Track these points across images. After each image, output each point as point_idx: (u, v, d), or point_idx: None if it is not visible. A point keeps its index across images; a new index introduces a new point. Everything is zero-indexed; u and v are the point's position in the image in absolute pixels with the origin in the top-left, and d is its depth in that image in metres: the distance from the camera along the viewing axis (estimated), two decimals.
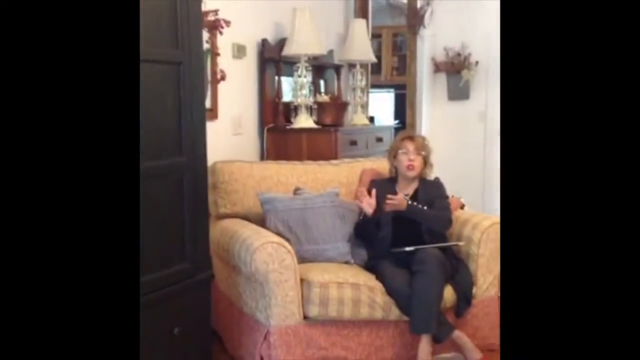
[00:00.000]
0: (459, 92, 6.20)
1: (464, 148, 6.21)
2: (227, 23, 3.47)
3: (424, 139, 3.26)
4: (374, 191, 3.07)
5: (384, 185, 3.18)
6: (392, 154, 3.24)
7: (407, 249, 2.92)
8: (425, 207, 3.03)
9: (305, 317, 2.75)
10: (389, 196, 2.99)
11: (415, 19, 5.25)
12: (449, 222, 3.11)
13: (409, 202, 3.02)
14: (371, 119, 4.82)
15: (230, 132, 3.74)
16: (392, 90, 6.30)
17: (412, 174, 3.15)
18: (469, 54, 6.07)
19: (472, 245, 3.09)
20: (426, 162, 3.20)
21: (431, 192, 3.16)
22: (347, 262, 3.04)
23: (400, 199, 3.00)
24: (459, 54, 6.10)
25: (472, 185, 5.98)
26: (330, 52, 4.51)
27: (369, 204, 3.04)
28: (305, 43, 3.78)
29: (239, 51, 3.77)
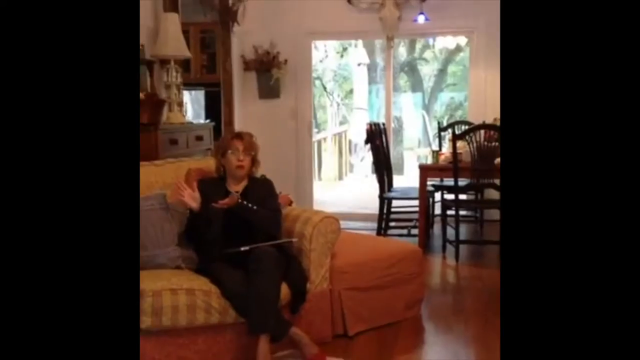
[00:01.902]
0: (269, 90, 6.25)
1: (278, 145, 6.28)
2: None
3: (251, 136, 3.19)
4: (194, 183, 2.96)
5: (212, 185, 3.08)
6: (220, 153, 3.14)
7: (243, 249, 2.85)
8: (255, 207, 2.98)
9: None
10: (218, 202, 2.89)
11: (228, 15, 5.17)
12: (278, 225, 3.11)
13: (240, 201, 2.95)
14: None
15: None
16: (201, 88, 6.15)
17: (241, 173, 3.08)
18: (278, 53, 6.14)
19: (304, 240, 3.10)
20: (254, 160, 3.15)
21: (261, 191, 3.13)
22: (178, 267, 2.89)
23: (230, 199, 2.92)
24: (268, 52, 6.15)
25: (285, 180, 6.06)
26: (142, 47, 4.26)
27: (191, 198, 2.91)
28: None
29: None
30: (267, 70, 6.15)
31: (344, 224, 6.00)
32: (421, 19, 5.82)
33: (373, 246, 3.73)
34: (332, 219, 3.24)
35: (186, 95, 6.59)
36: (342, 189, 9.59)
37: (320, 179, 9.99)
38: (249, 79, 6.28)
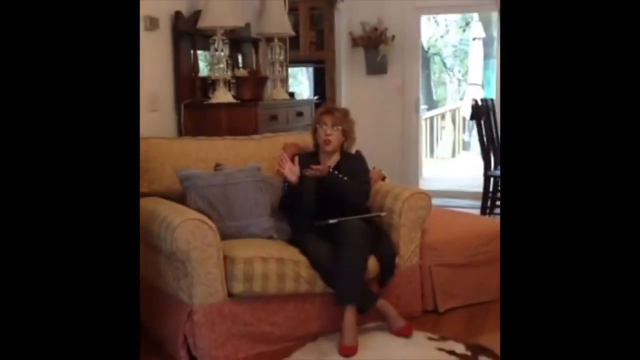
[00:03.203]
0: (376, 66, 6.25)
1: (383, 121, 6.29)
2: None
3: (345, 112, 3.24)
4: (296, 158, 3.06)
5: (306, 159, 3.17)
6: (313, 128, 3.23)
7: (331, 221, 2.93)
8: (345, 178, 3.05)
9: (230, 294, 2.71)
10: (312, 166, 2.98)
11: None
12: (366, 195, 3.15)
13: (331, 171, 3.03)
14: (291, 94, 4.77)
15: (145, 109, 3.60)
16: (310, 65, 6.27)
17: (328, 148, 3.14)
18: (386, 29, 6.12)
19: (393, 215, 3.13)
20: (347, 135, 3.20)
21: (352, 165, 3.17)
22: (270, 237, 3.02)
23: (322, 167, 3.00)
24: (375, 29, 6.13)
25: (391, 157, 6.08)
26: (247, 25, 4.42)
27: (291, 171, 3.02)
28: (220, 15, 3.68)
29: (151, 24, 3.63)
30: (375, 47, 6.15)
31: (450, 201, 6.02)
32: None
33: (468, 224, 3.68)
34: (423, 195, 3.23)
35: (299, 72, 6.75)
36: (454, 166, 9.43)
37: (433, 156, 9.87)
38: (357, 56, 6.31)
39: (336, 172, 3.05)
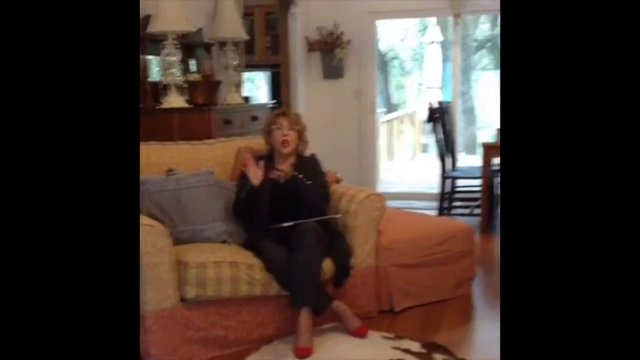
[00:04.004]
0: (333, 70, 6.28)
1: (340, 125, 6.33)
2: None
3: (297, 115, 3.28)
4: (261, 162, 3.05)
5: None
6: (267, 131, 3.23)
7: (286, 224, 2.92)
8: (308, 182, 3.05)
9: (183, 299, 2.68)
10: (277, 168, 2.99)
11: None
12: (327, 199, 3.17)
13: (295, 174, 3.03)
14: (246, 99, 4.76)
15: None
16: (267, 69, 6.27)
17: (286, 149, 3.15)
18: (342, 33, 6.16)
19: (348, 217, 3.15)
20: (301, 137, 3.21)
21: (309, 168, 3.18)
22: (224, 242, 3.00)
23: (287, 169, 3.02)
24: (331, 33, 6.17)
25: (349, 160, 6.12)
26: (200, 30, 4.40)
27: (255, 175, 3.01)
28: (171, 20, 3.66)
29: None
30: (331, 51, 6.19)
31: (408, 203, 6.07)
32: None
33: (423, 224, 3.72)
34: (378, 197, 3.26)
35: (256, 76, 6.75)
36: (413, 168, 9.53)
37: (392, 158, 9.95)
38: (313, 60, 6.33)
39: (300, 176, 3.05)
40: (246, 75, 5.00)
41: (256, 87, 6.68)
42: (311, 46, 6.25)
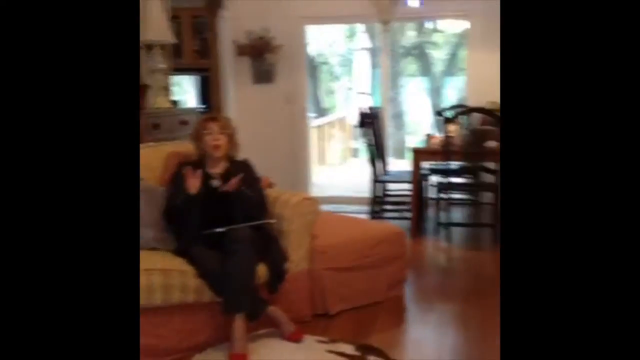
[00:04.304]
0: (263, 75, 6.25)
1: (272, 129, 6.31)
2: None
3: (227, 119, 3.24)
4: (199, 171, 2.99)
5: (192, 168, 3.10)
6: (197, 137, 3.17)
7: (219, 230, 2.88)
8: (250, 194, 3.03)
9: None
10: (232, 180, 2.96)
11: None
12: (266, 208, 3.16)
13: (242, 189, 3.00)
14: (174, 103, 4.67)
15: None
16: (195, 73, 6.17)
17: (218, 153, 3.11)
18: (272, 38, 6.13)
19: (283, 221, 3.13)
20: (232, 141, 3.18)
21: (245, 174, 3.14)
22: (154, 248, 2.93)
23: (235, 181, 2.98)
24: (261, 38, 6.14)
25: (281, 165, 6.09)
26: None
27: (194, 186, 2.96)
28: None
29: None
30: (261, 56, 6.15)
31: (340, 207, 6.11)
32: (413, 2, 5.78)
33: (356, 228, 3.74)
34: (311, 201, 3.26)
35: (183, 80, 6.64)
36: (344, 173, 9.60)
37: (324, 163, 10.00)
38: (243, 64, 6.28)
39: (244, 189, 3.01)
40: (174, 79, 4.89)
41: (184, 91, 6.56)
42: (240, 50, 6.20)
